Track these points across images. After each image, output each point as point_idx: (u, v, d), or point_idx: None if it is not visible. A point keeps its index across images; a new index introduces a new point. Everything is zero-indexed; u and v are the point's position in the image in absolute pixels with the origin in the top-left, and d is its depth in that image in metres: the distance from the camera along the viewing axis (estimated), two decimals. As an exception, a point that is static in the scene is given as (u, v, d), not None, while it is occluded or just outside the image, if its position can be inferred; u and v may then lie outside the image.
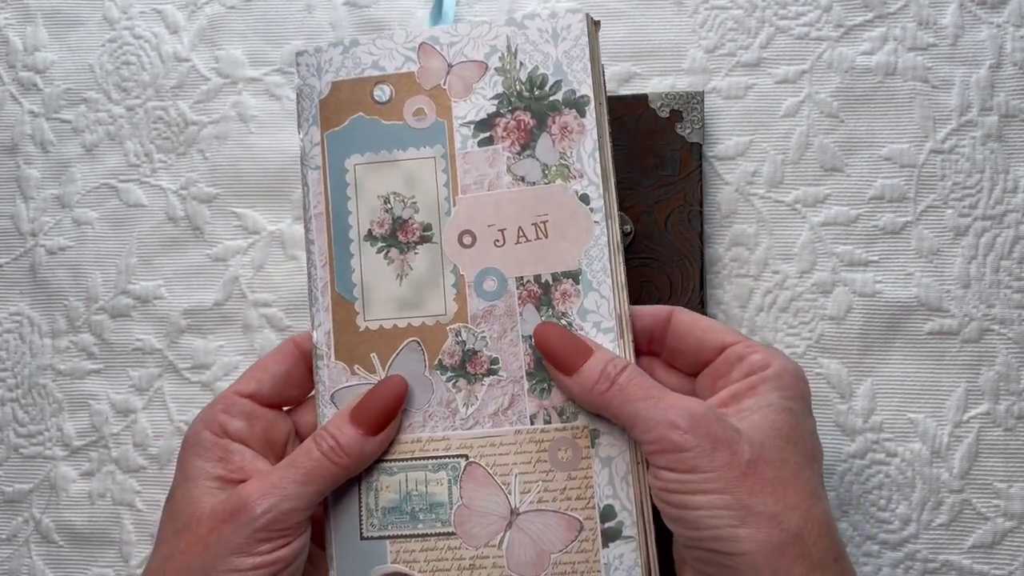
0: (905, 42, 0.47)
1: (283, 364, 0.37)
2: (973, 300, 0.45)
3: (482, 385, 0.35)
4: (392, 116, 0.36)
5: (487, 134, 0.35)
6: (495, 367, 0.35)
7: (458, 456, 0.34)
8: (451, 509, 0.34)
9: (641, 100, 0.46)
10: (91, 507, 0.49)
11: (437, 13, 0.50)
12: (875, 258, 0.46)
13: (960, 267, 0.46)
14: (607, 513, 0.33)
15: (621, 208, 0.45)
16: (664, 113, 0.46)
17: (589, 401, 0.33)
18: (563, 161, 0.35)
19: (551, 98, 0.35)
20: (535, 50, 0.35)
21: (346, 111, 0.36)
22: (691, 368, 0.36)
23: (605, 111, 0.36)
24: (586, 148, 0.35)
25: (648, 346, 0.36)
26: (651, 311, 0.36)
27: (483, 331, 0.35)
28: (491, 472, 0.34)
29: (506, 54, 0.35)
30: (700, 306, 0.44)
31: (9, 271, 0.52)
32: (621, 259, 0.35)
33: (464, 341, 0.35)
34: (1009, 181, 0.46)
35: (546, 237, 0.34)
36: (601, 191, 0.35)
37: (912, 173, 0.47)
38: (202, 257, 0.50)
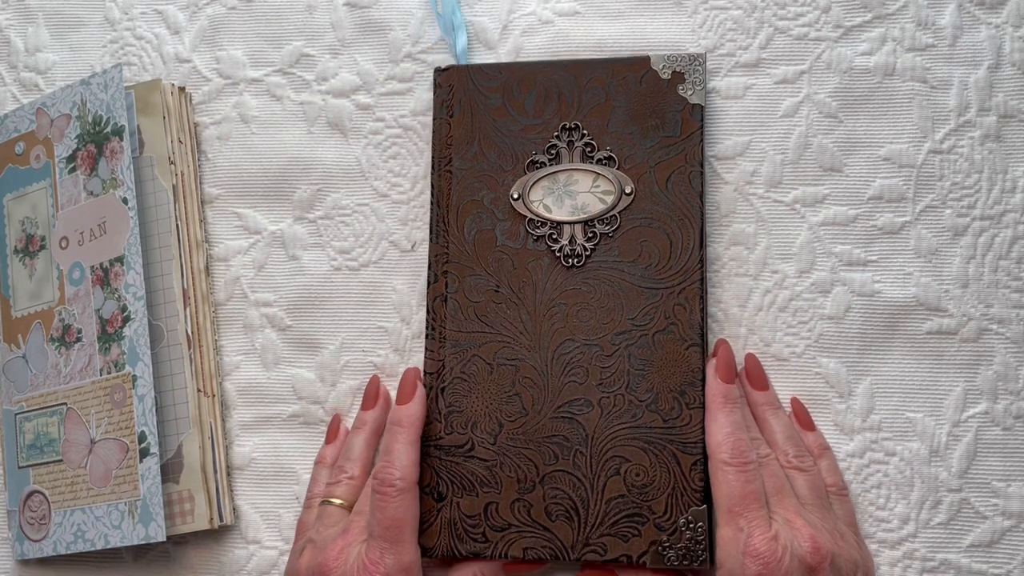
0: (904, 43, 0.47)
1: None
2: (971, 300, 0.45)
3: (73, 350, 0.47)
4: (24, 163, 0.50)
5: (72, 165, 0.48)
6: (80, 336, 0.47)
7: (61, 404, 0.47)
8: (60, 442, 0.47)
9: (643, 61, 0.46)
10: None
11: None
12: (874, 258, 0.46)
13: (958, 267, 0.46)
14: (141, 437, 0.45)
15: (622, 168, 0.45)
16: (666, 75, 0.46)
17: None
18: (113, 175, 0.47)
19: (105, 131, 0.47)
20: (95, 98, 0.48)
21: (2, 164, 0.51)
22: None
23: (137, 137, 0.48)
24: (124, 163, 0.46)
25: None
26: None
27: (73, 309, 0.47)
28: (80, 413, 0.46)
29: (81, 105, 0.48)
30: (699, 266, 0.44)
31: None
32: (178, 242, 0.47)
33: (64, 319, 0.47)
34: (1007, 181, 0.46)
35: (105, 234, 0.47)
36: (134, 194, 0.46)
37: (911, 173, 0.47)
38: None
